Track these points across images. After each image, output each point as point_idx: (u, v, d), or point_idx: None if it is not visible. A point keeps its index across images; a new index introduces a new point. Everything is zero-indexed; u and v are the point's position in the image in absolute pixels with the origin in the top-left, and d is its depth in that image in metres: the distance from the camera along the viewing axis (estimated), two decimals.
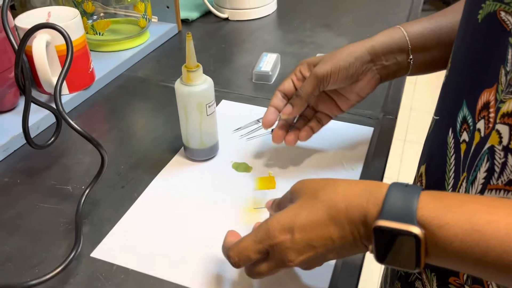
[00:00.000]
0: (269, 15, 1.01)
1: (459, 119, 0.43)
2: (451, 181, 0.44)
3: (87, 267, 0.45)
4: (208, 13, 1.01)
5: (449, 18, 0.55)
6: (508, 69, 0.38)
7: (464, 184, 0.42)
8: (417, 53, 0.54)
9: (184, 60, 0.53)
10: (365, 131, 0.63)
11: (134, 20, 0.84)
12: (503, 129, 0.35)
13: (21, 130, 0.61)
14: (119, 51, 0.82)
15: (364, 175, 0.56)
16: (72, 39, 0.65)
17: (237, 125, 0.65)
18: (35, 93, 0.70)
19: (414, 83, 2.81)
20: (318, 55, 0.81)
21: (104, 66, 0.77)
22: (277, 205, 0.44)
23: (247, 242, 0.39)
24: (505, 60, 0.38)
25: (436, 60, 0.55)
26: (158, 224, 0.50)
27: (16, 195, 0.54)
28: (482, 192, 0.39)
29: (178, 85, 0.54)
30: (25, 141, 0.62)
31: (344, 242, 0.37)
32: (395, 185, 0.35)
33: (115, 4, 0.81)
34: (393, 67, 0.54)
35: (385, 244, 0.34)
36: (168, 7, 0.90)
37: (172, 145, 0.61)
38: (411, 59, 0.54)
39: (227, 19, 0.99)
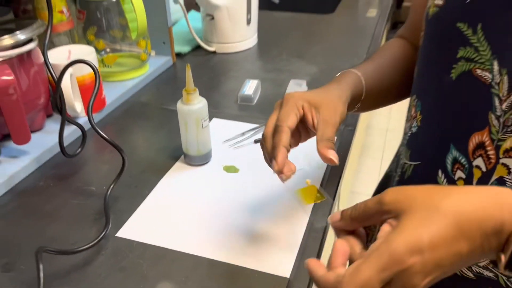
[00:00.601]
0: (250, 48, 1.18)
1: (449, 160, 0.48)
2: None
3: (113, 244, 0.59)
4: (198, 47, 1.17)
5: (388, 69, 0.64)
6: (498, 114, 0.44)
7: None
8: (363, 102, 0.61)
9: (178, 87, 0.68)
10: None
11: (137, 54, 1.00)
12: (510, 162, 0.42)
13: (50, 145, 0.76)
14: (124, 80, 0.97)
15: (325, 177, 0.71)
16: (89, 72, 0.80)
17: (226, 137, 0.79)
18: (56, 116, 0.84)
19: (390, 107, 3.02)
20: (291, 80, 0.97)
21: (113, 93, 0.91)
22: (363, 219, 0.39)
23: (369, 272, 0.34)
24: (493, 107, 0.44)
25: (371, 106, 0.65)
26: (166, 211, 0.64)
27: (51, 194, 0.67)
28: None
29: (179, 105, 0.69)
30: (53, 154, 0.76)
31: (472, 257, 0.35)
32: None
33: (120, 41, 0.97)
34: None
35: None
36: (164, 43, 1.06)
37: (173, 154, 0.76)
38: (357, 106, 0.60)
39: (214, 52, 1.15)
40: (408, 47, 0.67)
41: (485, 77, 0.46)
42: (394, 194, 0.37)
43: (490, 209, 0.34)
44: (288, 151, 0.50)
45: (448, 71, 0.49)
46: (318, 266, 0.37)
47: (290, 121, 0.51)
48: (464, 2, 0.47)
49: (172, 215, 0.63)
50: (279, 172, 0.48)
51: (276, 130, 0.51)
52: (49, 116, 0.83)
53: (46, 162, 0.74)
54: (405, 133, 0.60)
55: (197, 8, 1.31)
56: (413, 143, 0.53)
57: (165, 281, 0.53)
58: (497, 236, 0.34)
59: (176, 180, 0.70)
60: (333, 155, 0.49)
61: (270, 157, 0.50)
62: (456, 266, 0.35)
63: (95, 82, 0.63)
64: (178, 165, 0.73)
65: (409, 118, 0.58)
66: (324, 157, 0.49)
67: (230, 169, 0.72)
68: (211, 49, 1.14)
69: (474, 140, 0.47)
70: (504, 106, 0.44)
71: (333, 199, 0.63)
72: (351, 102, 0.58)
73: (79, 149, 0.70)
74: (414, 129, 0.56)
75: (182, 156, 0.74)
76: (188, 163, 0.73)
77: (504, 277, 0.49)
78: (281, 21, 1.38)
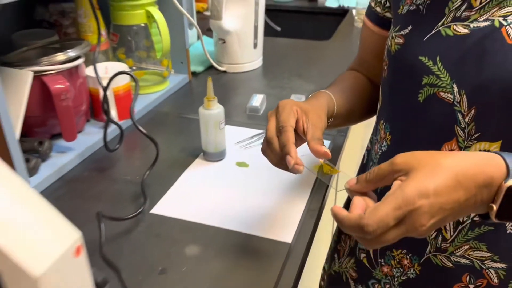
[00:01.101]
0: (256, 68, 1.34)
1: None
2: None
3: (149, 218, 0.73)
4: (210, 67, 1.33)
5: (351, 92, 0.73)
6: (462, 126, 0.55)
7: None
8: (334, 118, 0.69)
9: (194, 100, 0.85)
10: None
11: (159, 72, 1.15)
12: None
13: (91, 143, 0.90)
14: (148, 93, 1.12)
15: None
16: (123, 84, 0.96)
17: (237, 140, 0.94)
18: (92, 121, 0.99)
19: None
20: (292, 95, 1.12)
21: (139, 104, 1.07)
22: (377, 180, 0.46)
23: (386, 209, 0.41)
24: (457, 121, 0.55)
25: (333, 126, 0.71)
26: (190, 194, 0.78)
27: (93, 182, 0.82)
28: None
29: (201, 110, 0.84)
30: (93, 151, 0.91)
31: (467, 204, 0.42)
32: (506, 154, 0.44)
33: (146, 60, 1.13)
34: None
35: (511, 200, 0.41)
36: (182, 63, 1.22)
37: (193, 152, 0.90)
38: (329, 122, 0.67)
39: (225, 71, 1.31)
40: (361, 77, 0.78)
41: (448, 98, 0.55)
42: (403, 156, 0.45)
43: (482, 166, 0.43)
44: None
45: (415, 96, 0.58)
46: (342, 210, 0.44)
47: (292, 121, 0.57)
48: (422, 39, 0.58)
49: (195, 197, 0.77)
50: (296, 164, 0.54)
51: (282, 130, 0.56)
52: (87, 121, 0.98)
53: (88, 157, 0.89)
54: (375, 153, 0.69)
55: (208, 34, 1.49)
56: (384, 160, 0.55)
57: (191, 245, 0.67)
58: (487, 188, 0.42)
59: (197, 172, 0.84)
60: (325, 149, 0.56)
61: (279, 156, 0.55)
62: (455, 212, 0.42)
63: (135, 88, 0.78)
64: (198, 161, 0.88)
65: (378, 140, 0.68)
66: (316, 152, 0.56)
67: (242, 164, 0.87)
68: (222, 68, 1.31)
69: (445, 148, 0.57)
70: (466, 119, 0.55)
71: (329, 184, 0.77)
72: (327, 117, 0.65)
73: (118, 145, 0.85)
74: (384, 148, 0.65)
75: (201, 153, 0.89)
76: (206, 159, 0.88)
77: (478, 261, 0.60)
78: (283, 46, 1.55)
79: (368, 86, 0.77)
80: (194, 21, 1.20)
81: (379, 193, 0.53)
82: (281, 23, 1.86)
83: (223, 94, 1.18)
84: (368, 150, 0.76)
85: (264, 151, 0.59)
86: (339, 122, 0.72)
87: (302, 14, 2.04)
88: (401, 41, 0.61)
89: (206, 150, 0.87)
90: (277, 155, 0.56)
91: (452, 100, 0.55)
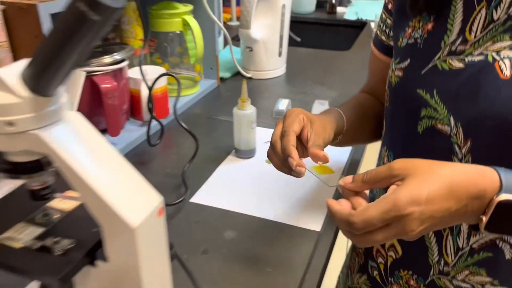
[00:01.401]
0: (280, 75, 1.41)
1: None
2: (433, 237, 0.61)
3: (188, 206, 0.80)
4: (236, 73, 1.41)
5: (363, 111, 0.75)
6: (459, 157, 0.56)
7: (450, 237, 0.60)
8: (343, 135, 0.70)
9: (222, 103, 0.94)
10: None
11: (191, 76, 1.23)
12: None
13: (132, 139, 0.98)
14: (182, 96, 1.20)
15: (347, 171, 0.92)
16: (161, 86, 1.04)
17: (265, 140, 1.01)
18: (131, 120, 1.06)
19: None
20: (316, 101, 1.19)
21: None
22: (373, 182, 0.47)
23: (374, 211, 0.43)
24: (454, 152, 0.56)
25: (347, 142, 0.74)
26: (225, 186, 0.85)
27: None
28: (468, 239, 0.59)
29: (235, 110, 0.91)
30: (134, 146, 0.98)
31: (458, 214, 0.44)
32: (501, 169, 0.45)
33: (180, 65, 1.21)
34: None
35: (501, 214, 0.43)
36: (211, 68, 1.30)
37: (225, 150, 0.97)
38: (339, 138, 0.69)
39: (250, 77, 1.39)
40: (372, 99, 0.80)
41: (445, 130, 0.57)
42: (402, 162, 0.46)
43: (476, 178, 0.44)
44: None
45: (414, 127, 0.60)
46: (336, 204, 0.47)
47: (295, 127, 0.58)
48: (420, 73, 0.59)
49: (230, 188, 0.84)
50: (298, 165, 0.55)
51: (284, 134, 0.58)
52: (127, 119, 1.06)
53: (129, 151, 0.96)
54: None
55: (234, 43, 1.56)
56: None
57: (228, 230, 0.74)
58: (479, 200, 0.44)
59: (230, 167, 0.91)
60: (324, 153, 0.57)
61: (282, 159, 0.57)
62: (445, 220, 0.44)
63: (172, 91, 0.85)
64: (230, 158, 0.95)
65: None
66: (315, 156, 0.57)
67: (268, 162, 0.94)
68: (248, 75, 1.38)
69: None
70: (463, 150, 0.56)
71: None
72: (335, 133, 0.66)
73: (158, 141, 0.92)
74: None
75: (233, 151, 0.96)
76: (238, 156, 0.95)
77: (479, 285, 0.61)
78: (304, 55, 1.62)
79: (378, 108, 0.78)
80: (224, 30, 1.28)
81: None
82: (301, 34, 1.94)
83: (251, 98, 1.25)
84: None
85: (268, 155, 0.62)
86: (349, 140, 0.73)
87: (321, 25, 2.12)
88: (400, 74, 0.62)
89: (238, 148, 0.94)
90: (279, 158, 0.58)
91: (449, 132, 0.57)
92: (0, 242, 0.40)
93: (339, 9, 2.17)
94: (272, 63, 1.37)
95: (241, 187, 0.85)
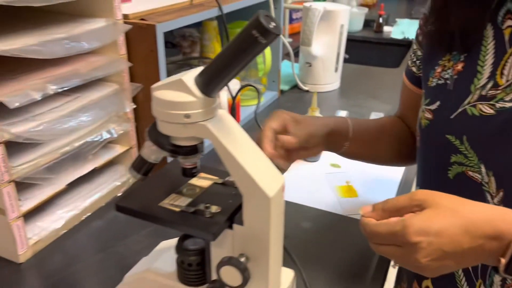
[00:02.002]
0: (335, 89, 1.53)
1: None
2: None
3: None
4: (294, 86, 1.53)
5: (376, 125, 0.76)
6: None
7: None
8: (351, 142, 0.71)
9: None
10: None
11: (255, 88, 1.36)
12: None
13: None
14: (248, 106, 1.33)
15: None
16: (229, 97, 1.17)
17: None
18: None
19: None
20: (372, 113, 1.29)
21: (242, 114, 1.27)
22: (393, 210, 0.47)
23: (383, 229, 0.45)
24: (486, 201, 0.54)
25: (358, 153, 0.74)
26: (296, 183, 0.96)
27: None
28: None
29: None
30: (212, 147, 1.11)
31: (472, 253, 0.43)
32: None
33: (248, 77, 1.34)
34: (332, 145, 0.70)
35: None
36: (274, 81, 1.43)
37: None
38: (346, 144, 0.71)
39: (307, 91, 1.51)
40: (400, 122, 0.79)
41: (476, 178, 0.55)
42: (424, 193, 0.47)
43: (494, 219, 0.44)
44: (272, 142, 0.60)
45: (445, 172, 0.58)
46: (366, 209, 0.49)
47: (273, 123, 0.62)
48: (449, 117, 0.57)
49: (300, 186, 0.96)
50: (271, 156, 0.58)
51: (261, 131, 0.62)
52: None
53: (210, 151, 1.10)
54: None
55: (286, 57, 1.69)
56: None
57: (304, 221, 0.85)
58: (497, 241, 0.43)
59: (299, 169, 1.03)
60: (270, 150, 0.60)
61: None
62: (458, 257, 0.44)
63: (258, 97, 0.98)
64: (298, 161, 1.06)
65: None
66: (266, 151, 0.59)
67: (335, 165, 1.05)
68: (305, 88, 1.50)
69: None
70: (495, 200, 0.54)
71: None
72: (338, 138, 0.70)
73: None
74: None
75: None
76: (305, 160, 1.06)
77: None
78: (355, 71, 1.73)
79: (405, 131, 0.77)
80: (290, 49, 1.41)
81: None
82: (349, 51, 2.05)
83: (308, 110, 1.37)
84: None
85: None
86: (363, 152, 0.75)
87: (368, 43, 2.23)
88: (430, 116, 0.61)
89: None
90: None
91: (480, 180, 0.55)
92: (164, 207, 0.53)
93: (386, 28, 2.27)
94: (328, 77, 1.49)
95: (310, 185, 0.96)
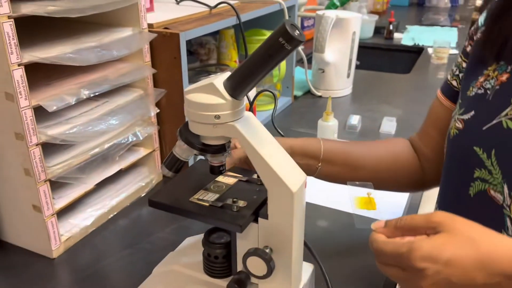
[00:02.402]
0: (347, 94, 1.56)
1: None
2: None
3: None
4: (307, 92, 1.57)
5: (358, 148, 0.74)
6: (510, 233, 0.49)
7: None
8: (325, 163, 0.70)
9: (297, 118, 1.09)
10: None
11: (270, 94, 1.40)
12: None
13: None
14: (263, 111, 1.37)
15: None
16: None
17: None
18: None
19: None
20: (385, 117, 1.33)
21: (258, 118, 1.31)
22: (407, 229, 0.45)
23: (388, 248, 0.43)
24: (505, 226, 0.49)
25: (339, 175, 0.73)
26: (312, 184, 0.99)
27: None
28: None
29: (320, 122, 1.07)
30: None
31: None
32: None
33: (263, 83, 1.38)
34: (303, 167, 0.60)
35: None
36: (287, 87, 1.47)
37: None
38: (319, 166, 0.70)
39: (320, 96, 1.54)
40: (405, 147, 0.75)
41: (497, 198, 0.51)
42: (443, 215, 0.43)
43: None
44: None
45: (466, 188, 0.54)
46: (378, 225, 0.48)
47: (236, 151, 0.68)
48: (481, 128, 0.53)
49: (316, 188, 0.99)
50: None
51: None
52: None
53: None
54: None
55: (300, 64, 1.73)
56: None
57: (320, 220, 0.88)
58: None
59: None
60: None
61: None
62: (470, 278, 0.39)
63: (274, 102, 1.02)
64: None
65: None
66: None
67: None
68: (318, 94, 1.54)
69: None
70: None
71: None
72: (310, 160, 0.71)
73: None
74: None
75: None
76: None
77: None
78: (367, 77, 1.76)
79: (409, 159, 0.74)
80: (304, 57, 1.45)
81: None
82: (360, 57, 2.09)
83: (321, 114, 1.40)
84: None
85: None
86: (337, 173, 0.73)
87: (379, 50, 2.26)
88: (460, 126, 0.58)
89: None
90: None
91: (502, 202, 0.51)
92: (194, 202, 0.57)
93: (396, 35, 2.31)
94: (340, 83, 1.53)
95: (324, 187, 1.00)
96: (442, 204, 0.63)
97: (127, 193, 0.91)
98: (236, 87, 0.52)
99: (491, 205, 0.52)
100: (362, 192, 0.74)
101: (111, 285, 0.72)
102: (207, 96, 0.52)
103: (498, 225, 0.52)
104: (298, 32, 0.47)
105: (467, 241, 0.40)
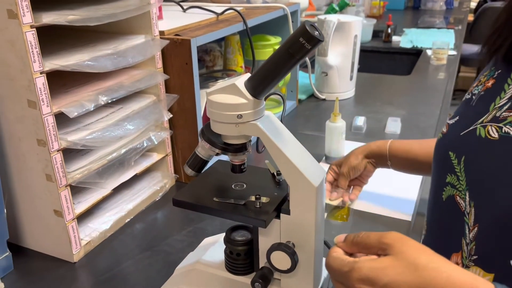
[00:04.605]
0: (350, 97, 1.58)
1: None
2: None
3: None
4: (311, 95, 1.59)
5: (422, 148, 0.84)
6: (467, 241, 0.49)
7: None
8: (393, 162, 0.88)
9: (301, 121, 1.11)
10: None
11: (277, 98, 1.43)
12: None
13: None
14: None
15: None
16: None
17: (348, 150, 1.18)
18: None
19: None
20: (389, 118, 1.35)
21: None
22: (362, 247, 0.46)
23: (335, 265, 0.45)
24: (464, 234, 0.49)
25: (406, 169, 0.89)
26: None
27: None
28: None
29: (328, 123, 1.08)
30: None
31: None
32: (498, 284, 0.38)
33: None
34: (380, 164, 0.91)
35: None
36: (292, 91, 1.49)
37: (316, 158, 1.14)
38: (389, 164, 0.89)
39: (324, 99, 1.57)
40: None
41: (461, 205, 0.51)
42: (394, 238, 0.43)
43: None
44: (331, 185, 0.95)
45: (440, 192, 0.55)
46: (339, 239, 0.49)
47: (328, 177, 0.95)
48: (459, 134, 0.53)
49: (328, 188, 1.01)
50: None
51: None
52: None
53: None
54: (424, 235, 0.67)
55: (302, 69, 1.76)
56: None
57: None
58: None
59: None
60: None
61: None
62: None
63: (283, 104, 1.04)
64: (321, 164, 1.12)
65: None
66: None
67: None
68: (322, 97, 1.56)
69: (453, 259, 0.53)
70: (470, 235, 0.50)
71: None
72: (380, 159, 0.90)
73: (263, 148, 1.11)
74: (423, 237, 0.64)
75: (323, 158, 1.13)
76: (328, 163, 1.11)
77: None
78: (368, 79, 1.79)
79: None
80: (308, 62, 1.47)
81: None
82: (359, 61, 2.11)
83: (326, 117, 1.42)
84: None
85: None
86: (402, 167, 0.89)
87: (378, 53, 2.29)
88: (444, 130, 0.59)
89: (329, 155, 1.11)
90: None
91: (463, 209, 0.51)
92: (217, 200, 0.59)
93: (394, 38, 2.34)
94: (344, 86, 1.55)
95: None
96: (429, 204, 0.63)
97: (142, 197, 0.92)
98: (257, 87, 0.54)
99: (456, 212, 0.52)
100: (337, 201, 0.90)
101: (132, 286, 0.73)
102: (229, 96, 0.54)
103: (459, 233, 0.52)
104: (317, 32, 0.49)
105: (410, 267, 0.40)
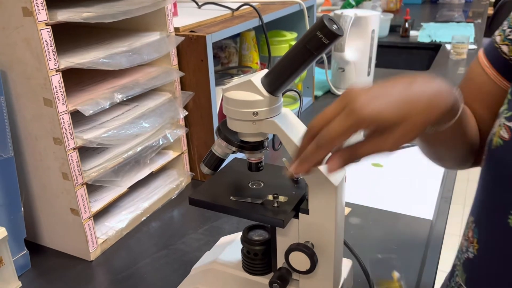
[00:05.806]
0: None
1: None
2: None
3: None
4: (327, 91, 1.57)
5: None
6: None
7: None
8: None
9: None
10: None
11: (293, 95, 1.41)
12: None
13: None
14: None
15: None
16: None
17: None
18: None
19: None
20: None
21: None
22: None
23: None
24: None
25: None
26: None
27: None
28: None
29: None
30: None
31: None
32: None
33: None
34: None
35: None
36: (308, 87, 1.47)
37: None
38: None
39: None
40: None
41: None
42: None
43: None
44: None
45: (505, 216, 0.44)
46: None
47: None
48: None
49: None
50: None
51: None
52: None
53: None
54: (461, 250, 0.56)
55: (318, 65, 1.73)
56: (468, 269, 0.49)
57: (352, 217, 0.88)
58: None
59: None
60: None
61: None
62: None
63: (300, 100, 1.02)
64: None
65: (466, 237, 0.54)
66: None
67: (377, 165, 1.08)
68: (339, 93, 1.54)
69: None
70: None
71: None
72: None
73: (280, 145, 1.09)
74: (470, 255, 0.52)
75: None
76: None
77: None
78: (386, 75, 1.75)
79: (474, 126, 0.58)
80: (325, 57, 1.45)
81: None
82: (377, 56, 2.08)
83: None
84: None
85: None
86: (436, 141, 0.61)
87: (396, 48, 2.25)
88: (506, 136, 0.44)
89: None
90: None
91: None
92: (234, 199, 0.58)
93: (412, 33, 2.29)
94: (361, 81, 1.52)
95: (355, 184, 0.99)
96: (478, 221, 0.51)
97: (158, 196, 0.92)
98: (273, 83, 0.52)
99: None
100: (387, 274, 0.69)
101: (149, 285, 0.73)
102: (245, 93, 0.53)
103: None
104: (336, 27, 0.47)
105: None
